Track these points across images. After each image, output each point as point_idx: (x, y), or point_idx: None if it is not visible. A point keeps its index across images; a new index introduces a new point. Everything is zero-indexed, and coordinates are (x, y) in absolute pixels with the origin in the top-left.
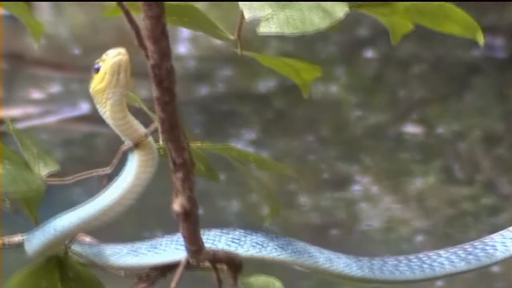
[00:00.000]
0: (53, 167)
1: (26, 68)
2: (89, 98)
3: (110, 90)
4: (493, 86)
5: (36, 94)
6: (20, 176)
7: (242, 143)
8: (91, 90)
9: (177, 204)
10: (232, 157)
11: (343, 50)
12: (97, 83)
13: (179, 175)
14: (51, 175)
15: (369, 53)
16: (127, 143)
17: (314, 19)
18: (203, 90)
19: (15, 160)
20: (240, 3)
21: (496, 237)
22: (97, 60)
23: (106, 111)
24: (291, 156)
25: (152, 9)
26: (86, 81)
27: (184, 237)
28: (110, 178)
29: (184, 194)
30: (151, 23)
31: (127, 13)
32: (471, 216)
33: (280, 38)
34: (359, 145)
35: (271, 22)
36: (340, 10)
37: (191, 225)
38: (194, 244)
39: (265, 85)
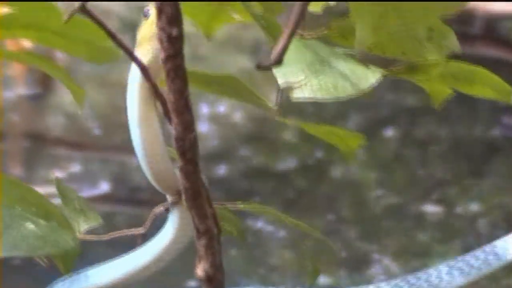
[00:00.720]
0: (94, 222)
1: (46, 147)
2: (109, 177)
3: None
4: None
5: (57, 174)
6: (52, 235)
7: (262, 222)
8: (138, 38)
9: (200, 269)
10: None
11: (363, 129)
12: (146, 29)
13: (202, 241)
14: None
15: (389, 132)
16: (169, 199)
17: (347, 85)
18: (222, 169)
19: (54, 217)
20: (274, 70)
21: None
22: (148, 4)
23: (146, 64)
24: (310, 235)
25: (175, 83)
26: (107, 160)
27: None
28: (144, 239)
29: (207, 260)
30: (174, 96)
31: (155, 87)
32: None
33: (300, 115)
34: (378, 224)
35: (304, 88)
36: (373, 77)
37: None
38: None
39: (284, 164)
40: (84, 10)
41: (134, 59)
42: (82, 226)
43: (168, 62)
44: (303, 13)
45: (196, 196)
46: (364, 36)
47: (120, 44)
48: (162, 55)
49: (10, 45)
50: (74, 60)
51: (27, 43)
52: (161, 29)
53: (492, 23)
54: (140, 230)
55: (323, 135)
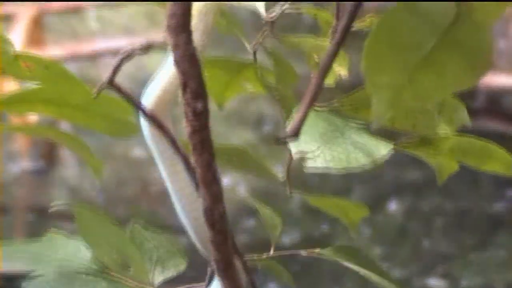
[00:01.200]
0: (174, 270)
1: (50, 221)
2: None
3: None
4: None
5: None
6: None
7: None
8: (193, 12)
9: None
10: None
11: (367, 202)
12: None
13: None
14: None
15: (393, 206)
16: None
17: (359, 157)
18: None
19: (131, 265)
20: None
21: None
22: None
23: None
24: None
25: (203, 157)
26: None
27: None
28: None
29: None
30: (202, 169)
31: (185, 158)
32: None
33: (304, 187)
34: None
35: (317, 158)
36: (384, 149)
37: None
38: None
39: (289, 237)
40: (112, 84)
41: (166, 132)
42: (157, 278)
43: (194, 136)
44: (321, 85)
45: (227, 267)
46: (380, 110)
47: (150, 117)
48: (188, 130)
49: (14, 118)
50: (76, 131)
51: (32, 116)
52: (186, 103)
53: (495, 97)
54: (201, 286)
55: (326, 207)
